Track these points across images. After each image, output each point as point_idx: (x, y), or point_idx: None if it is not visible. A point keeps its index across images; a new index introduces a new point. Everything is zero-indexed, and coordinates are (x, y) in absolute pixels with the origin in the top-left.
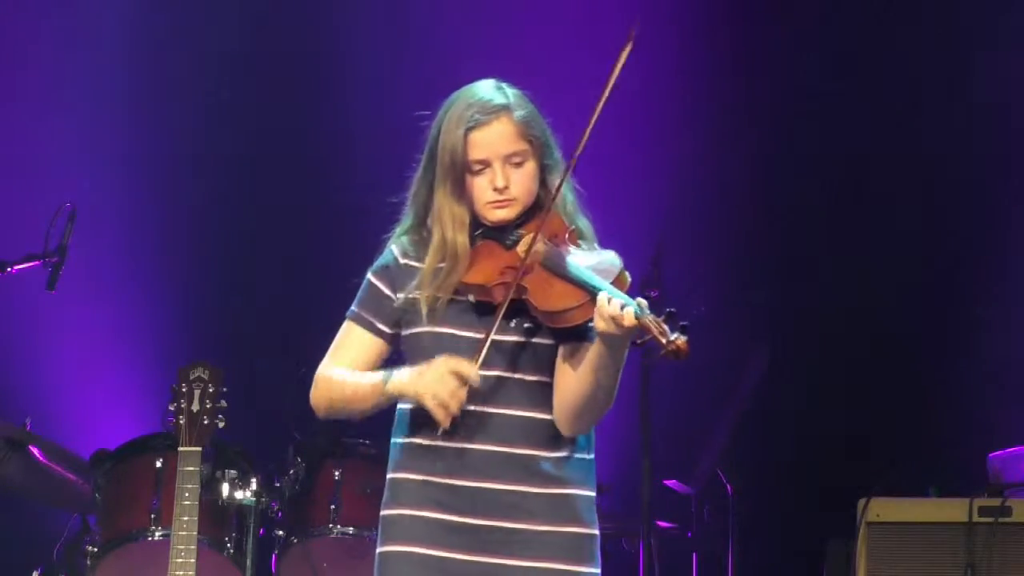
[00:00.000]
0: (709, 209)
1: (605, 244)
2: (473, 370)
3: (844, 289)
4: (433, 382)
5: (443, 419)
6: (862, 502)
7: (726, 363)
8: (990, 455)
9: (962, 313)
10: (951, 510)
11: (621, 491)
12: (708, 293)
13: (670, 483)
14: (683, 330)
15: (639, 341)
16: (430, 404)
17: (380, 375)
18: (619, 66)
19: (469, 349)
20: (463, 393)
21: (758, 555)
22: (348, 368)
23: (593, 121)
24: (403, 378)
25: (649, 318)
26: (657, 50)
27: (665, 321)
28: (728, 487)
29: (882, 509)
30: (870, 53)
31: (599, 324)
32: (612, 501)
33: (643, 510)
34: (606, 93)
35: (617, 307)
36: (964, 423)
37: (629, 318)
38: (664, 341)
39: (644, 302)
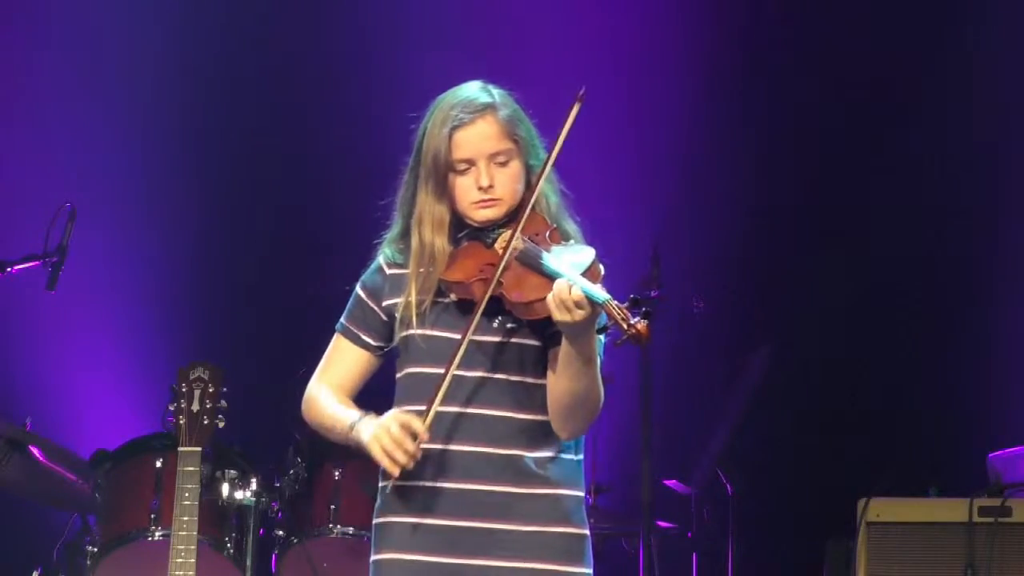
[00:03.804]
0: (709, 208)
1: (603, 245)
2: (421, 425)
3: (844, 289)
4: (380, 433)
5: (389, 467)
6: (862, 502)
7: (726, 363)
8: (990, 455)
9: (962, 313)
10: (951, 510)
11: (621, 491)
12: (708, 292)
13: (670, 483)
14: (645, 315)
15: (601, 327)
16: (376, 454)
17: (351, 418)
18: (568, 125)
19: (453, 349)
20: (410, 445)
21: (758, 555)
22: (336, 385)
23: (546, 172)
24: (363, 426)
25: (612, 304)
26: (657, 47)
27: (628, 307)
28: (728, 487)
29: (882, 509)
30: (870, 53)
31: (554, 313)
32: (612, 501)
33: (643, 510)
34: (556, 149)
35: (564, 289)
36: (964, 423)
37: (576, 292)
38: (625, 326)
39: (609, 296)
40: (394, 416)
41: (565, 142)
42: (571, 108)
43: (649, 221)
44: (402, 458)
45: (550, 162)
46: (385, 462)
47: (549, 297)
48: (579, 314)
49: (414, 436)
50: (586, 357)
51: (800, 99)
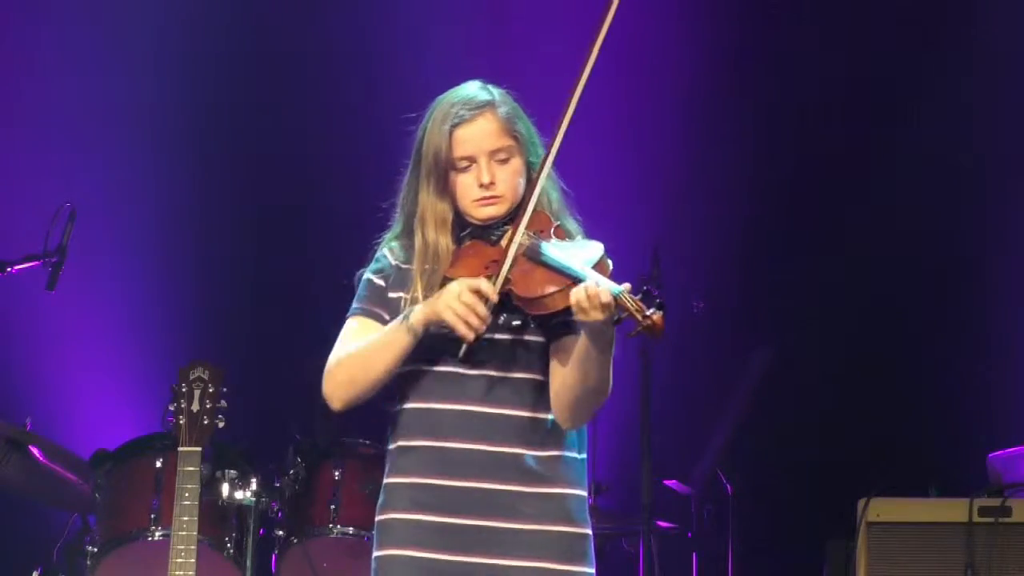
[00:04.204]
0: (709, 208)
1: (604, 244)
2: (490, 286)
3: (845, 289)
4: (450, 299)
5: (465, 333)
6: (862, 502)
7: (726, 363)
8: (990, 455)
9: (962, 312)
10: (951, 510)
11: (621, 491)
12: (708, 292)
13: (670, 483)
14: (659, 306)
15: (616, 319)
16: (450, 319)
17: (396, 320)
18: (608, 19)
19: (457, 347)
20: (483, 309)
21: (758, 555)
22: None
23: (580, 87)
24: (420, 308)
25: (626, 296)
26: (657, 46)
27: (642, 299)
28: (728, 487)
29: (882, 509)
30: (870, 52)
31: (577, 314)
32: (612, 501)
33: (643, 510)
34: (595, 51)
35: (592, 287)
36: (964, 423)
37: (605, 295)
38: (640, 317)
39: (628, 285)
40: (460, 281)
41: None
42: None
43: (649, 221)
44: (476, 321)
45: (573, 102)
46: (461, 328)
47: (573, 300)
48: (597, 313)
49: (485, 299)
50: (603, 347)
51: (800, 98)
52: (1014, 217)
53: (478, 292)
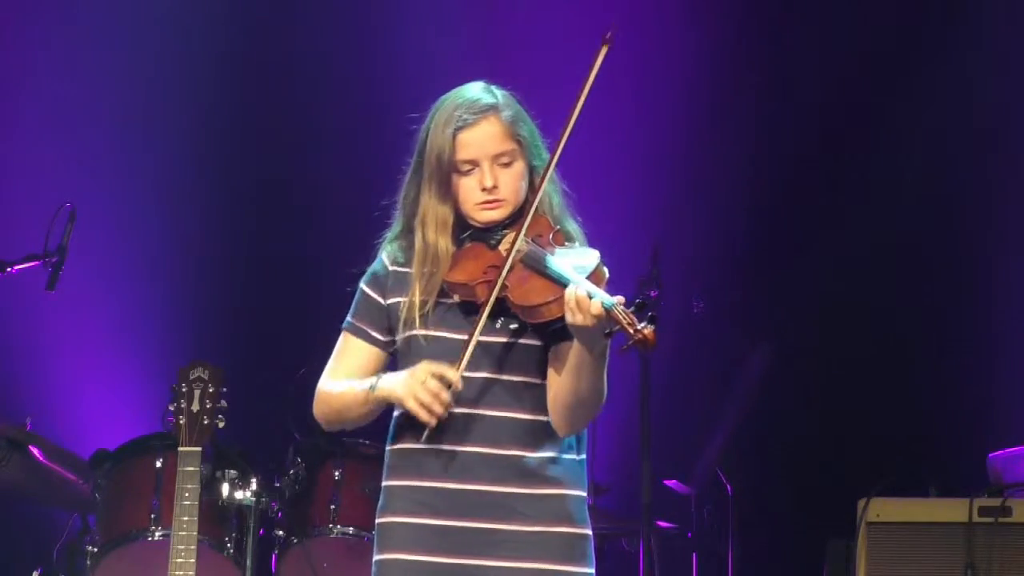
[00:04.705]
0: (709, 208)
1: (603, 245)
2: (455, 374)
3: (845, 288)
4: (415, 385)
5: (427, 419)
6: (862, 502)
7: (726, 363)
8: (990, 455)
9: (962, 312)
10: (951, 510)
11: (621, 491)
12: (708, 292)
13: (670, 483)
14: (651, 320)
15: (607, 332)
16: (412, 407)
17: (368, 381)
18: (594, 73)
19: (457, 350)
20: (446, 396)
21: (758, 555)
22: (346, 379)
23: (570, 126)
24: (388, 382)
25: (618, 309)
26: (655, 45)
27: (634, 312)
28: (728, 487)
29: (882, 509)
30: (871, 52)
31: (567, 316)
32: (612, 501)
33: (643, 510)
34: (580, 103)
35: (583, 294)
36: (964, 423)
37: (596, 306)
38: (632, 331)
39: (621, 298)
40: (426, 367)
41: (586, 99)
42: (597, 53)
43: (649, 221)
44: (439, 409)
45: (563, 139)
46: (423, 415)
47: (565, 305)
48: (586, 319)
49: (448, 385)
50: (596, 356)
51: (801, 98)
52: (1014, 217)
53: (443, 379)
